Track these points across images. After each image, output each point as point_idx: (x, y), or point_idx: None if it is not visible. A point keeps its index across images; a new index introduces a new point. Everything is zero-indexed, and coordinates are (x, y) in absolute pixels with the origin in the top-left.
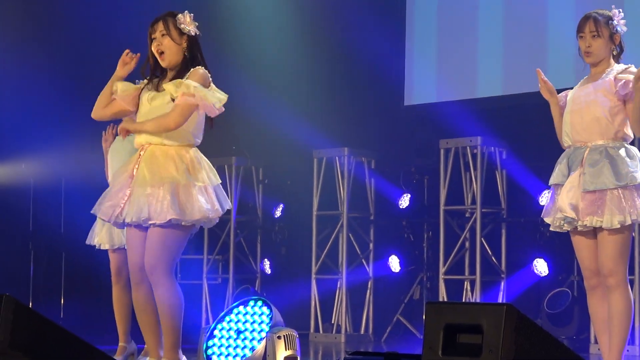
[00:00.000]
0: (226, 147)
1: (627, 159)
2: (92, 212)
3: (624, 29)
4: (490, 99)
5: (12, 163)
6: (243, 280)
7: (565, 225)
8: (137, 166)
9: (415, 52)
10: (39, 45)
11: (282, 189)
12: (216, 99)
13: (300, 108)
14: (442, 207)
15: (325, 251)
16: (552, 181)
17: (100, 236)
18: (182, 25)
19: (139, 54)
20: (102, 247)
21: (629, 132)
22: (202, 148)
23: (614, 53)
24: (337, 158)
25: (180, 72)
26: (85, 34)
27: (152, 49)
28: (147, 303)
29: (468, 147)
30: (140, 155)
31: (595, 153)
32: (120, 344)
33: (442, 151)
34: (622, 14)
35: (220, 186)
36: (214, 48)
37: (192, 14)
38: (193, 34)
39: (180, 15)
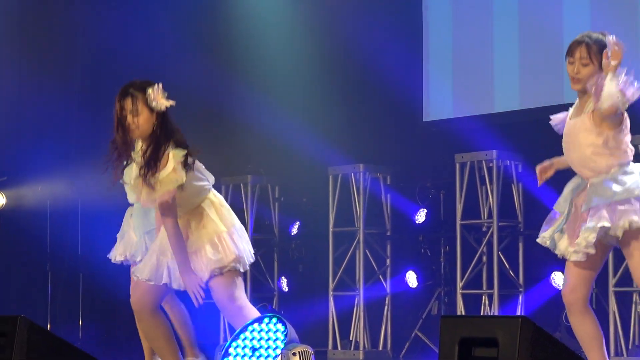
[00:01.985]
0: (242, 165)
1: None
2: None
3: None
4: (506, 114)
5: (29, 185)
6: (261, 299)
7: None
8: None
9: (432, 67)
10: (54, 66)
11: (298, 206)
12: (176, 178)
13: (314, 125)
14: (458, 222)
15: (342, 267)
16: (555, 206)
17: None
18: (153, 103)
19: None
20: None
21: (623, 156)
22: (219, 167)
23: None
24: (352, 174)
25: (153, 147)
26: (99, 53)
27: (123, 121)
28: (153, 331)
29: (484, 161)
30: None
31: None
32: None
33: (457, 165)
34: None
35: (237, 225)
36: (228, 67)
37: (160, 83)
38: (164, 109)
39: (150, 91)
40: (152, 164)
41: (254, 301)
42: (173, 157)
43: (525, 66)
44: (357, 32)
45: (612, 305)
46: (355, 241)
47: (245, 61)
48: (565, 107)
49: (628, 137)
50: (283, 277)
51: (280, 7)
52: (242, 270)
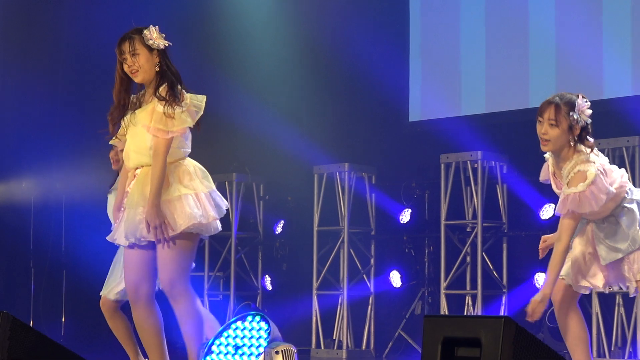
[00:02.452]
0: (227, 163)
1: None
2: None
3: (587, 120)
4: (492, 115)
5: (13, 181)
6: (244, 297)
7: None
8: (129, 189)
9: (418, 68)
10: (38, 62)
11: (282, 205)
12: (189, 119)
13: (300, 124)
14: (443, 222)
15: (326, 267)
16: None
17: None
18: (150, 42)
19: None
20: None
21: (618, 198)
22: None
23: (571, 144)
24: (337, 173)
25: (168, 84)
26: (86, 50)
27: (125, 69)
28: (145, 322)
29: (469, 162)
30: (134, 176)
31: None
32: None
33: (442, 166)
34: (588, 102)
35: (216, 191)
36: (214, 65)
37: (157, 26)
38: (162, 47)
39: (146, 32)
40: (171, 98)
41: (238, 299)
42: (190, 99)
43: (511, 67)
44: (344, 32)
45: (595, 307)
46: (340, 240)
47: (231, 59)
48: None
49: (616, 183)
50: (267, 276)
51: (267, 6)
52: (207, 235)
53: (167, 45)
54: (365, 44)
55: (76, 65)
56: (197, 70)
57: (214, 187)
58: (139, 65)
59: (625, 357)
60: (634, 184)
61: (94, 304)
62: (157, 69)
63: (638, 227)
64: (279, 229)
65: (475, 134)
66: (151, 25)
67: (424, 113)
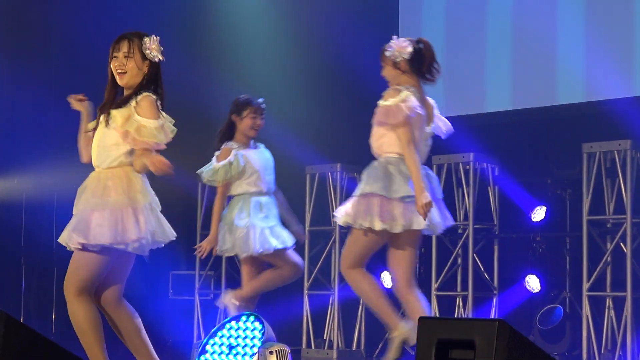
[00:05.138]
0: None
1: None
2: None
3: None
4: (483, 116)
5: (4, 178)
6: None
7: None
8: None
9: None
10: (29, 58)
11: None
12: (155, 138)
13: (292, 124)
14: None
15: (317, 267)
16: None
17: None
18: (147, 51)
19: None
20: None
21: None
22: (196, 164)
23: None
24: (329, 174)
25: (135, 93)
26: (77, 47)
27: (112, 66)
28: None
29: (460, 164)
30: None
31: None
32: None
33: (434, 167)
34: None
35: (154, 207)
36: (206, 65)
37: (158, 37)
38: (157, 60)
39: (146, 39)
40: (149, 109)
41: None
42: (150, 105)
43: (502, 69)
44: (335, 32)
45: (586, 310)
46: (331, 240)
47: (223, 59)
48: (546, 110)
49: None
50: None
51: (259, 6)
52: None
53: (161, 59)
54: (357, 45)
55: (69, 62)
56: (190, 70)
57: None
58: (128, 68)
59: None
60: (626, 189)
61: None
62: (145, 79)
63: None
64: None
65: (467, 135)
66: (154, 35)
67: None
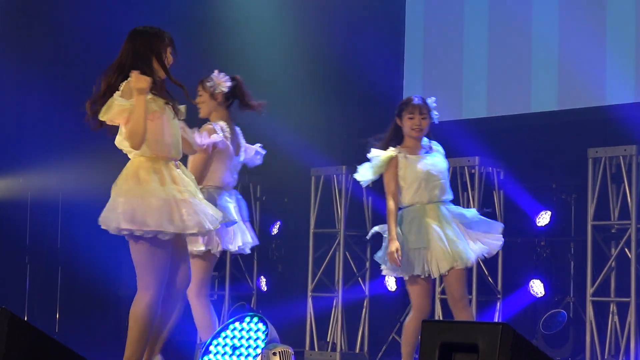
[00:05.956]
0: None
1: None
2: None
3: None
4: (489, 120)
5: (10, 177)
6: (239, 297)
7: None
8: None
9: (415, 71)
10: (36, 59)
11: (279, 207)
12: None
13: (298, 126)
14: None
15: (321, 269)
16: None
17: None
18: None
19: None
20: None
21: None
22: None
23: None
24: (334, 176)
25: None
26: (83, 47)
27: (165, 61)
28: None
29: (466, 167)
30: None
31: None
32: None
33: None
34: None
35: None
36: (212, 67)
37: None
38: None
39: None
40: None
41: (233, 300)
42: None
43: (509, 73)
44: (340, 34)
45: (590, 315)
46: (336, 243)
47: (228, 61)
48: (552, 114)
49: None
50: (262, 277)
51: (263, 8)
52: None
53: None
54: (363, 47)
55: (76, 61)
56: (195, 72)
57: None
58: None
59: None
60: (631, 194)
61: (89, 300)
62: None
63: None
64: (275, 230)
65: (473, 139)
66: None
67: None
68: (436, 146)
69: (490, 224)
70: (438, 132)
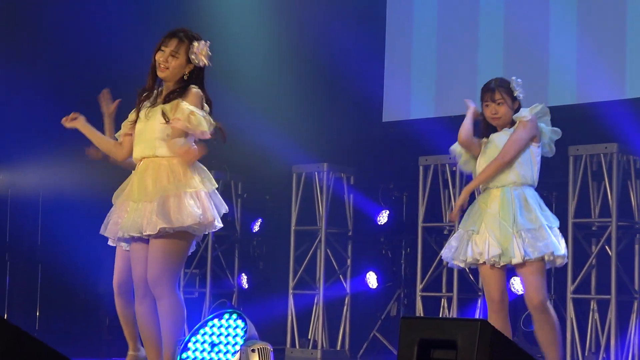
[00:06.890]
0: (205, 160)
1: None
2: (100, 233)
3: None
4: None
5: None
6: (220, 295)
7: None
8: (131, 182)
9: (395, 68)
10: (18, 55)
11: (260, 204)
12: (209, 125)
13: (279, 123)
14: (420, 224)
15: (302, 266)
16: None
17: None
18: (192, 56)
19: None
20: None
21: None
22: None
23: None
24: (316, 173)
25: (177, 91)
26: (67, 45)
27: (156, 57)
28: (151, 317)
29: (447, 165)
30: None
31: None
32: (130, 352)
33: (421, 168)
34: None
35: (216, 192)
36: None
37: (208, 42)
38: (201, 65)
39: (195, 44)
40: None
41: (214, 297)
42: (196, 95)
43: (487, 70)
44: (321, 32)
45: (570, 312)
46: (317, 240)
47: (211, 58)
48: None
49: None
50: (243, 274)
51: (245, 5)
52: (199, 238)
53: (206, 64)
54: (344, 43)
55: (56, 59)
56: None
57: (215, 186)
58: (170, 66)
59: None
60: (612, 192)
61: (69, 298)
62: (185, 78)
63: None
64: (256, 228)
65: (454, 136)
66: (204, 41)
67: (400, 114)
68: None
69: None
70: (420, 129)
